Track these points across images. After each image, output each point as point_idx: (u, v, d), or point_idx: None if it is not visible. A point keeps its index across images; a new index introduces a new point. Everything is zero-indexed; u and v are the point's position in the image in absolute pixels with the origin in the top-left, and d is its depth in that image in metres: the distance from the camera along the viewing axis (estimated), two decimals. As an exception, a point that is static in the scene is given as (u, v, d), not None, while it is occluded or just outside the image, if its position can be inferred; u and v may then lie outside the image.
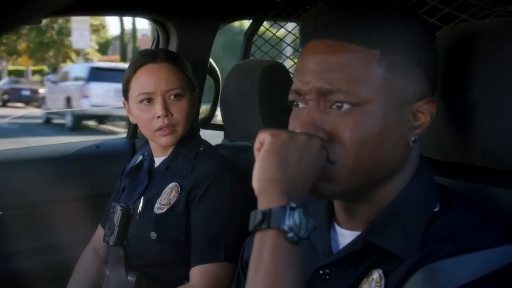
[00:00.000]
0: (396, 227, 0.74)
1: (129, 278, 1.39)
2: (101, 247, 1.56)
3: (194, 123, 1.54)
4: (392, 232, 0.74)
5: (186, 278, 1.36)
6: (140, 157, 1.56)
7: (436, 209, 0.75)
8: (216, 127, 2.00)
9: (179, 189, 1.39)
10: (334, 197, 0.79)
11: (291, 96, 0.78)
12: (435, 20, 1.41)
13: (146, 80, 1.39)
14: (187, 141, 1.45)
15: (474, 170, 0.89)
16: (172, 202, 1.38)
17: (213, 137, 1.77)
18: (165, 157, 1.47)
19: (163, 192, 1.41)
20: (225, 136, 1.97)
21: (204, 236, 1.34)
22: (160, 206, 1.40)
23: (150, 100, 1.39)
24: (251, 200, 1.38)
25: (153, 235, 1.38)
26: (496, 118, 0.81)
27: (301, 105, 0.77)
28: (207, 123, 2.00)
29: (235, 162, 1.52)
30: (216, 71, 2.02)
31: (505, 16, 1.37)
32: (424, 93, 0.75)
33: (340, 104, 0.73)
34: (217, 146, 1.78)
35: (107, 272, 1.46)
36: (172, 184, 1.41)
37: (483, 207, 0.80)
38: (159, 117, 1.37)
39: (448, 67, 0.85)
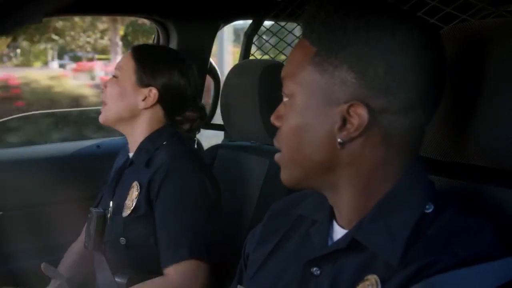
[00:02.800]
0: (380, 226, 0.74)
1: (119, 280, 1.38)
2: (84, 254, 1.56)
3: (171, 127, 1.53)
4: (375, 231, 0.74)
5: None
6: (123, 158, 1.56)
7: (428, 211, 0.75)
8: (216, 127, 2.01)
9: (139, 188, 1.39)
10: (288, 184, 0.83)
11: None
12: (435, 20, 1.41)
13: None
14: (153, 137, 1.46)
15: (474, 170, 0.89)
16: (134, 203, 1.38)
17: (213, 137, 1.78)
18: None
19: (128, 193, 1.41)
20: (225, 136, 1.97)
21: (166, 235, 1.34)
22: (126, 208, 1.39)
23: None
24: (215, 192, 1.40)
25: (122, 240, 1.38)
26: (496, 118, 0.81)
27: None
28: (207, 123, 2.00)
29: (235, 162, 1.53)
30: (216, 71, 2.02)
31: (505, 16, 1.37)
32: (357, 97, 0.74)
33: (284, 97, 0.80)
34: (217, 146, 1.78)
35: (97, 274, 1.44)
36: (133, 184, 1.41)
37: (478, 209, 0.80)
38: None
39: (448, 67, 0.85)
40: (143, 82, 1.46)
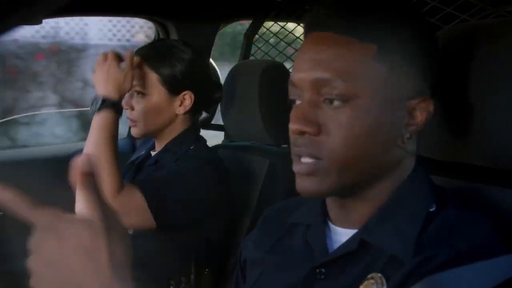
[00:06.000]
0: (389, 226, 0.74)
1: None
2: None
3: (195, 123, 1.54)
4: (385, 231, 0.74)
5: (178, 272, 1.35)
6: (143, 152, 1.56)
7: (431, 209, 0.75)
8: (216, 127, 2.00)
9: None
10: (324, 194, 0.77)
11: (290, 91, 0.78)
12: (435, 20, 1.41)
13: None
14: (180, 139, 1.46)
15: (474, 170, 0.89)
16: None
17: (213, 137, 1.77)
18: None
19: None
20: (225, 136, 1.97)
21: (151, 179, 1.38)
22: None
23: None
24: (228, 202, 1.40)
25: (130, 230, 1.37)
26: (496, 118, 0.81)
27: (297, 101, 0.77)
28: (207, 123, 2.00)
29: (235, 162, 1.53)
30: (216, 71, 2.02)
31: (505, 16, 1.37)
32: (420, 91, 0.75)
33: (331, 99, 0.72)
34: (217, 146, 1.78)
35: None
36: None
37: (478, 206, 0.80)
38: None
39: (448, 67, 0.85)
40: (175, 91, 1.44)
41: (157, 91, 1.43)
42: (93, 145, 1.33)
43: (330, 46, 0.72)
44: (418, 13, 0.79)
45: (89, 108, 1.39)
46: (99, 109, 1.34)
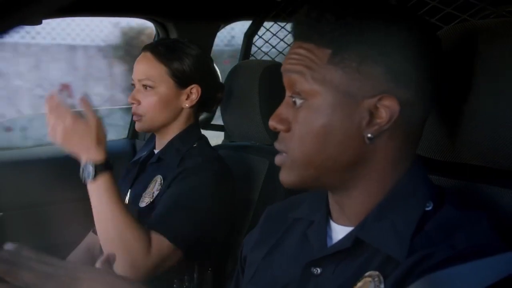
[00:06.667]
0: (385, 224, 0.75)
1: None
2: (96, 245, 1.54)
3: (198, 120, 1.54)
4: (381, 230, 0.74)
5: (181, 272, 1.35)
6: (146, 150, 1.57)
7: (428, 208, 0.75)
8: (216, 127, 2.01)
9: (162, 182, 1.40)
10: (293, 184, 0.81)
11: None
12: (435, 20, 1.41)
13: (134, 67, 1.49)
14: (185, 136, 1.46)
15: (473, 170, 0.89)
16: (155, 195, 1.39)
17: (213, 137, 1.77)
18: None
19: (149, 186, 1.42)
20: (226, 136, 1.97)
21: (165, 208, 1.33)
22: (144, 199, 1.40)
23: (134, 85, 1.48)
24: (233, 200, 1.40)
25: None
26: (495, 119, 0.81)
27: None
28: (207, 123, 2.00)
29: (235, 162, 1.52)
30: (216, 71, 2.01)
31: (505, 16, 1.37)
32: (383, 90, 0.75)
33: (294, 100, 0.78)
34: (218, 146, 1.78)
35: None
36: (157, 177, 1.42)
37: (476, 206, 0.80)
38: (130, 102, 1.47)
39: (447, 67, 0.85)
40: (182, 83, 1.45)
41: (165, 83, 1.44)
42: (104, 215, 1.27)
43: (298, 53, 0.78)
44: (377, 12, 0.77)
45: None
46: (95, 178, 1.25)
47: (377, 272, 0.72)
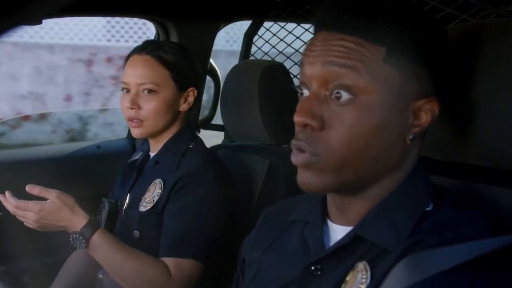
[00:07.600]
0: (384, 222, 0.75)
1: None
2: None
3: (191, 121, 1.54)
4: (380, 227, 0.75)
5: None
6: (140, 153, 1.56)
7: (428, 209, 0.75)
8: (216, 127, 2.01)
9: (163, 186, 1.39)
10: (321, 189, 0.76)
11: (300, 85, 0.78)
12: (435, 20, 1.41)
13: (127, 70, 1.44)
14: (179, 138, 1.46)
15: (474, 170, 0.89)
16: (155, 199, 1.39)
17: (213, 137, 1.78)
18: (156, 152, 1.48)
19: (148, 189, 1.41)
20: (225, 136, 1.97)
21: (176, 229, 1.33)
22: (145, 203, 1.40)
23: (128, 90, 1.43)
24: (234, 199, 1.40)
25: (136, 233, 1.39)
26: (496, 118, 0.81)
27: (305, 93, 0.76)
28: (207, 123, 2.00)
29: (235, 162, 1.52)
30: (216, 71, 2.02)
31: (505, 16, 1.37)
32: (427, 92, 0.75)
33: (339, 95, 0.72)
34: (218, 146, 1.78)
35: (100, 276, 1.43)
36: (156, 181, 1.41)
37: (476, 206, 0.80)
38: (129, 107, 1.42)
39: (448, 67, 0.85)
40: (182, 87, 1.44)
41: (168, 87, 1.43)
42: (115, 267, 1.30)
43: (341, 45, 0.72)
44: (428, 17, 0.78)
45: None
46: (87, 245, 1.28)
47: (364, 261, 0.73)
